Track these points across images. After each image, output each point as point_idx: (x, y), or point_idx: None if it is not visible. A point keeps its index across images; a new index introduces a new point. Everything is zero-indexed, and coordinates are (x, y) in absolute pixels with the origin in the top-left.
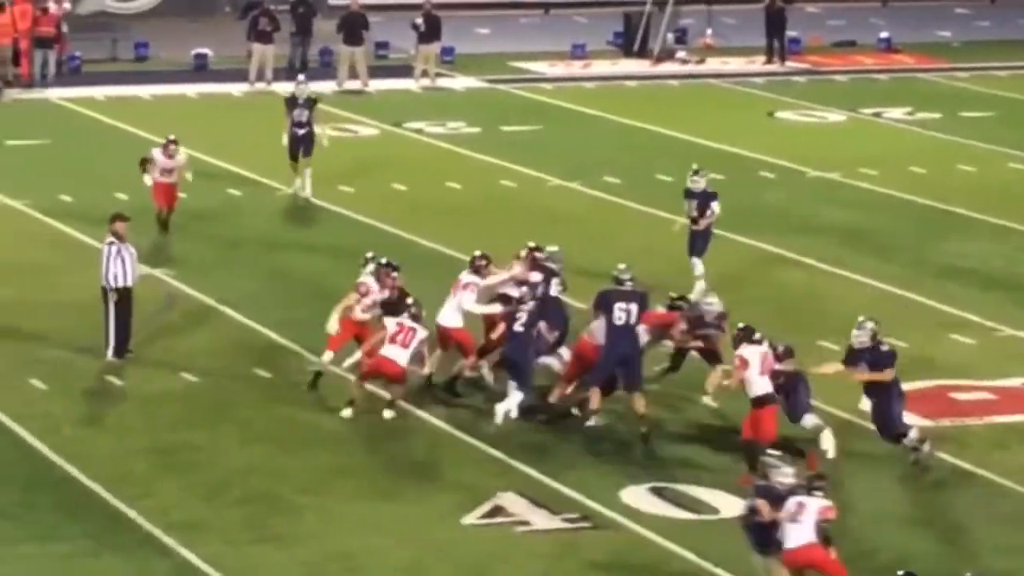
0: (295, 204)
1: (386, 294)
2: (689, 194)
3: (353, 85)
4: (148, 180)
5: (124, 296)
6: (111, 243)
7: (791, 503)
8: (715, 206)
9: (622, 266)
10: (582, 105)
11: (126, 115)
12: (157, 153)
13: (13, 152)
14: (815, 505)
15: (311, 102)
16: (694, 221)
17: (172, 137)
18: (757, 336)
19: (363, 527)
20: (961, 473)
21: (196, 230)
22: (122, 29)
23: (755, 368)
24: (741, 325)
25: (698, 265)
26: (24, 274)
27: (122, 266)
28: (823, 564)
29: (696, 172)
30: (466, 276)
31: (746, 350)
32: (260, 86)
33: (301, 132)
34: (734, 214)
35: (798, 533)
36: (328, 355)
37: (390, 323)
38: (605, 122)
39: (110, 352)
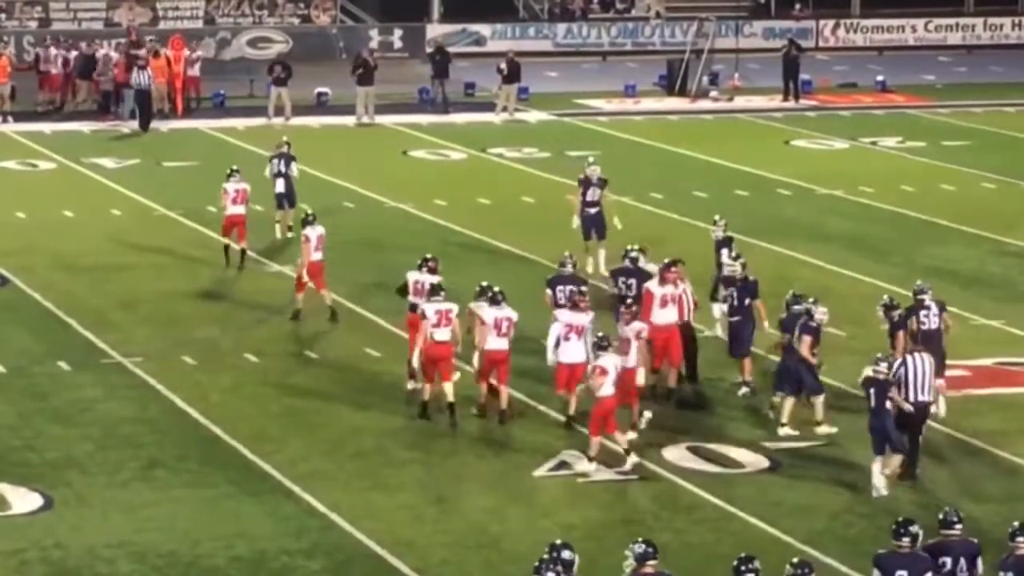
0: (398, 214)
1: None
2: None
3: (364, 119)
4: None
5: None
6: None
7: None
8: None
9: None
10: (632, 135)
11: (261, 142)
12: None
13: (169, 172)
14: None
15: (603, 182)
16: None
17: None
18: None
19: (455, 477)
20: (941, 435)
21: None
22: (258, 72)
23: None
24: None
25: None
26: (177, 270)
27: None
28: None
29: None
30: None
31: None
32: (365, 120)
33: (593, 212)
34: (756, 224)
35: None
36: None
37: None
38: (651, 148)
39: None
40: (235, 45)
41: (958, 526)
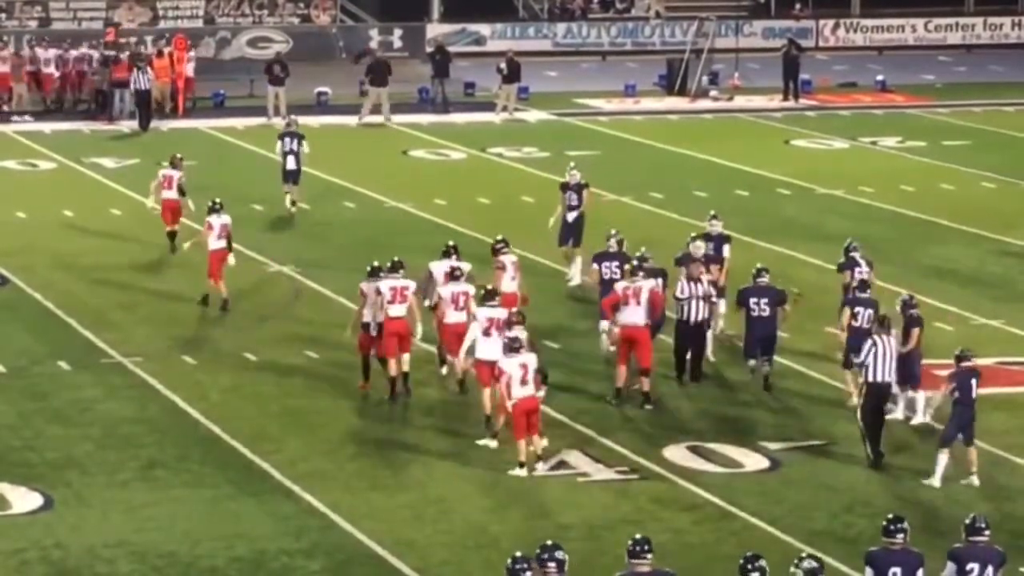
0: (398, 214)
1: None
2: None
3: (376, 119)
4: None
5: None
6: None
7: None
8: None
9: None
10: (632, 134)
11: (261, 141)
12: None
13: None
14: None
15: (579, 188)
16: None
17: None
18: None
19: (455, 477)
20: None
21: (317, 234)
22: (258, 72)
23: None
24: None
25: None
26: (177, 271)
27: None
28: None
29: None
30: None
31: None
32: (369, 119)
33: (571, 217)
34: (756, 224)
35: None
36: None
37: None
38: (651, 148)
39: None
40: (235, 45)
41: (986, 532)
